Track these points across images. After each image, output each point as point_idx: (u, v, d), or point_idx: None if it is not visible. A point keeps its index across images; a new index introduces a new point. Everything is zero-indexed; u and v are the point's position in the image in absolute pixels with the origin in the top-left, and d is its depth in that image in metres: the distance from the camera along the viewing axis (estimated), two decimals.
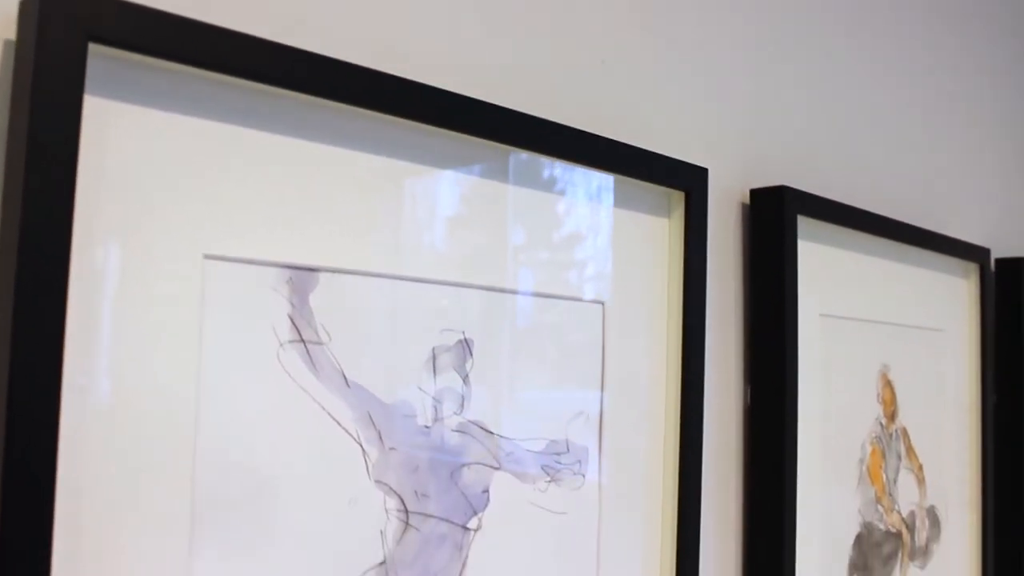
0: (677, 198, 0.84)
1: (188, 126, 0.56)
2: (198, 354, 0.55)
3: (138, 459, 0.53)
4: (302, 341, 0.60)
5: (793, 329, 0.96)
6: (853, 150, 1.17)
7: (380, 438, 0.63)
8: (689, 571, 0.82)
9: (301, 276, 0.60)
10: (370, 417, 0.63)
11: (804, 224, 0.99)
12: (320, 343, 0.61)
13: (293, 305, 0.60)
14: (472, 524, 0.68)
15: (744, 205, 0.98)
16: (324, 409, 0.61)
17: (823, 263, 1.04)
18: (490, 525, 0.69)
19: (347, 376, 0.62)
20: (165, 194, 0.54)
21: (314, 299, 0.61)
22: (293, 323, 0.60)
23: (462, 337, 0.68)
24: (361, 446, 0.62)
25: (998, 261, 1.46)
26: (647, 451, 0.82)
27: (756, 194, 0.97)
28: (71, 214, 0.49)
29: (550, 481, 0.73)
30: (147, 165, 0.54)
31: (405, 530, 0.64)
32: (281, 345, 0.59)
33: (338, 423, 0.61)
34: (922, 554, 1.21)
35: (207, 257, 0.56)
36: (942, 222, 1.31)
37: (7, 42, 0.51)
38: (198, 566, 0.55)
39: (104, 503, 0.51)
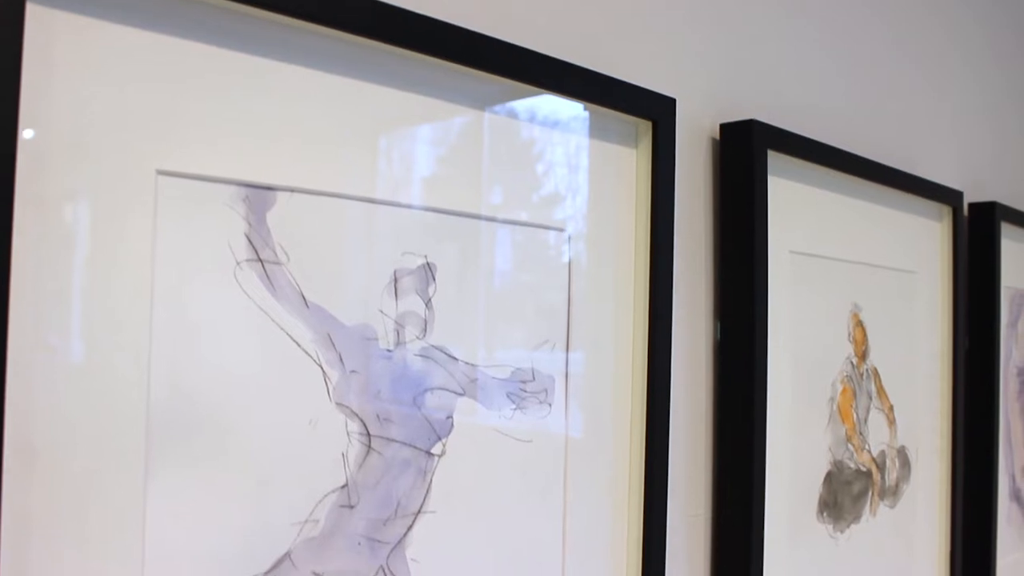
0: (644, 128, 0.83)
1: (142, 39, 0.54)
2: (151, 271, 0.54)
3: (91, 379, 0.52)
4: (259, 260, 0.59)
5: (763, 265, 0.95)
6: (826, 88, 1.16)
7: (341, 360, 0.62)
8: (657, 503, 0.82)
9: (258, 194, 0.59)
10: (330, 339, 0.62)
11: (775, 160, 0.99)
12: (278, 263, 0.60)
13: (250, 224, 0.59)
14: (436, 450, 0.68)
15: (715, 140, 0.97)
16: (283, 329, 0.60)
17: (794, 200, 1.04)
18: (454, 451, 0.69)
19: (306, 297, 0.61)
20: (116, 108, 0.53)
21: (271, 218, 0.60)
22: (250, 242, 0.59)
23: (424, 261, 0.67)
24: (321, 368, 0.62)
25: (971, 206, 1.47)
26: (615, 382, 0.81)
27: (726, 128, 0.97)
28: (15, 129, 0.47)
29: (515, 409, 0.73)
30: (97, 78, 0.53)
31: (367, 454, 0.64)
32: (238, 264, 0.58)
33: (297, 344, 0.60)
34: (892, 494, 1.21)
35: (160, 173, 0.55)
36: (915, 164, 1.30)
37: None
38: (154, 487, 0.54)
39: (56, 423, 0.50)
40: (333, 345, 0.62)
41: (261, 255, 0.59)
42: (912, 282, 1.27)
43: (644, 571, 0.81)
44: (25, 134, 0.49)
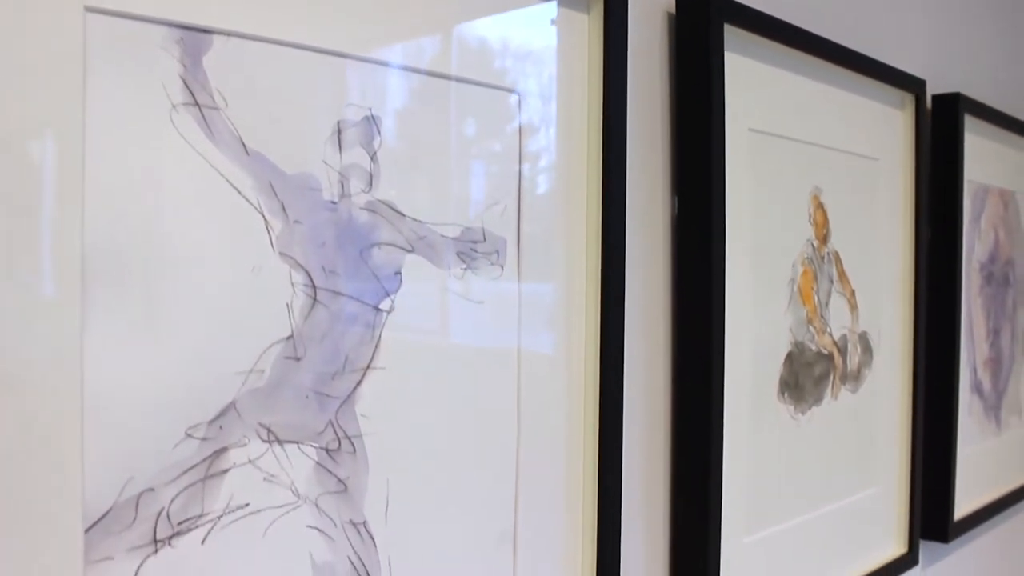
0: None
1: None
2: (82, 112, 0.53)
3: (20, 223, 0.50)
4: (196, 104, 0.58)
5: (720, 139, 0.95)
6: None
7: (284, 209, 0.61)
8: (613, 371, 0.82)
9: (193, 37, 0.58)
10: (272, 187, 0.61)
11: (734, 36, 0.97)
12: (216, 108, 0.59)
13: (185, 67, 0.57)
14: (384, 305, 0.67)
15: (671, 15, 0.96)
16: (223, 176, 0.59)
17: (753, 78, 1.03)
18: (403, 308, 0.68)
19: (246, 144, 0.60)
20: None
21: (208, 62, 0.58)
22: (186, 85, 0.57)
23: (369, 114, 0.66)
24: (264, 216, 0.61)
25: (935, 97, 1.46)
26: (568, 246, 0.81)
27: (682, 1, 0.95)
28: None
29: (466, 269, 0.72)
30: None
31: (313, 306, 0.63)
32: (174, 107, 0.57)
33: (238, 191, 0.59)
34: (854, 378, 1.22)
35: (88, 10, 0.53)
36: (878, 49, 1.29)
37: None
38: (91, 333, 0.53)
39: None
40: (275, 193, 0.61)
41: (198, 99, 0.58)
42: (874, 169, 1.26)
43: (601, 433, 0.81)
44: None
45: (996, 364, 1.70)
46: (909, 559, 1.35)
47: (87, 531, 0.53)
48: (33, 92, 0.51)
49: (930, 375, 1.46)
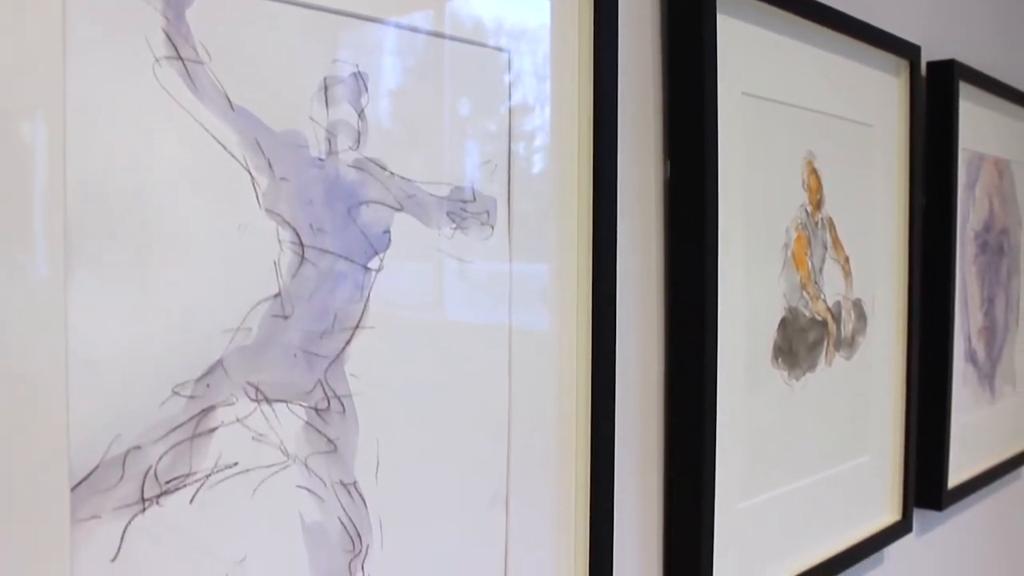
0: None
1: None
2: (62, 66, 0.52)
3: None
4: (180, 58, 0.57)
5: (713, 102, 0.94)
6: None
7: (270, 166, 0.61)
8: (606, 332, 0.81)
9: None
10: (258, 143, 0.60)
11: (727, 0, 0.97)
12: (200, 62, 0.58)
13: (167, 19, 0.56)
14: (373, 264, 0.66)
15: None
16: (207, 131, 0.58)
17: (746, 41, 1.02)
18: (392, 267, 0.67)
19: (231, 99, 0.59)
20: None
21: (191, 15, 0.57)
22: (168, 38, 0.56)
23: (356, 70, 0.65)
24: (250, 173, 0.60)
25: (930, 64, 1.45)
26: (559, 207, 0.80)
27: None
28: None
29: (456, 228, 0.72)
30: None
31: (301, 264, 0.62)
32: (156, 60, 0.56)
33: (224, 147, 0.59)
34: (848, 345, 1.22)
35: None
36: (872, 14, 1.28)
37: None
38: (75, 289, 0.52)
39: None
40: (261, 150, 0.60)
41: (181, 53, 0.57)
42: (868, 135, 1.26)
43: (594, 396, 0.81)
44: None
45: (990, 333, 1.70)
46: (903, 526, 1.35)
47: (73, 489, 0.53)
48: (11, 45, 0.50)
49: (924, 343, 1.46)
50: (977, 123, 1.57)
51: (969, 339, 1.61)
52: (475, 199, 0.73)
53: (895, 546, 1.42)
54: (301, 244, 0.62)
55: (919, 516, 1.52)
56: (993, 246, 1.69)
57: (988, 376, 1.70)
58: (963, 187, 1.55)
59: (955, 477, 1.55)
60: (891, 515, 1.35)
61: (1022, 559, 2.03)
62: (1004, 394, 1.78)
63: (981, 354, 1.66)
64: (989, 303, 1.69)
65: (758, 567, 1.06)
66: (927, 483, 1.48)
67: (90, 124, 0.53)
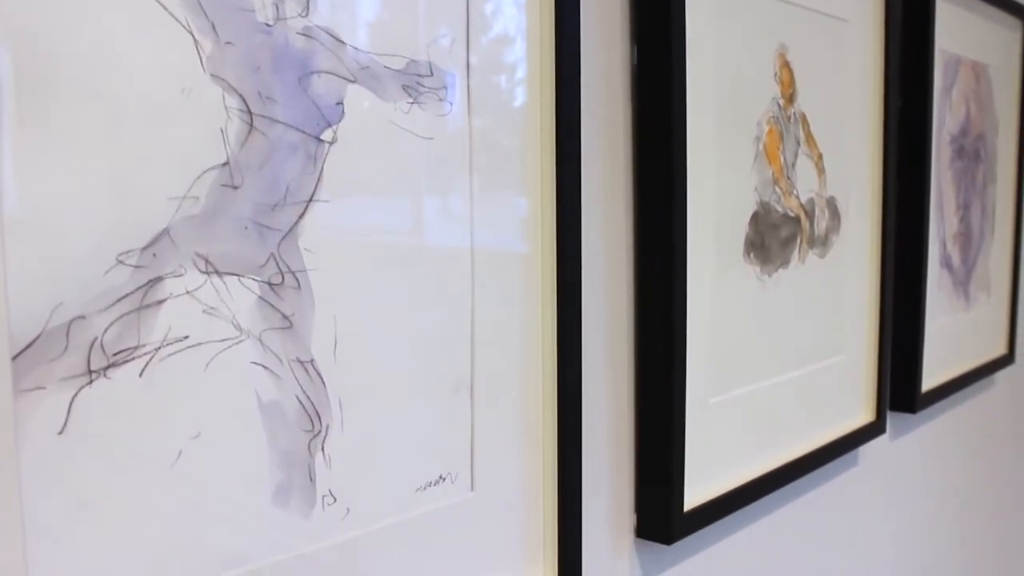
0: None
1: None
2: None
3: None
4: None
5: None
6: None
7: (214, 29, 0.58)
8: (572, 206, 0.80)
9: None
10: (200, 4, 0.57)
11: None
12: None
13: None
14: (326, 136, 0.64)
15: None
16: None
17: None
18: (347, 139, 0.65)
19: None
20: None
21: None
22: None
23: None
24: (192, 35, 0.57)
25: None
26: (520, 81, 0.78)
27: None
28: None
29: (412, 103, 0.69)
30: None
31: (250, 132, 0.60)
32: None
33: (163, 7, 0.56)
34: (821, 243, 1.21)
35: None
36: None
37: None
38: (8, 158, 0.50)
39: None
40: (204, 12, 0.58)
41: None
42: (843, 30, 1.23)
43: (559, 279, 0.80)
44: None
45: (965, 239, 1.69)
46: (877, 427, 1.36)
47: (14, 358, 0.51)
48: None
49: (899, 245, 1.45)
50: (955, 24, 1.55)
51: (944, 244, 1.60)
52: (432, 73, 0.71)
53: (869, 447, 1.43)
54: (249, 112, 0.60)
55: (893, 419, 1.53)
56: (969, 151, 1.68)
57: (963, 283, 1.70)
58: (939, 90, 1.53)
59: (929, 381, 1.55)
60: (865, 415, 1.35)
61: (994, 465, 2.05)
62: (979, 301, 1.78)
63: (956, 260, 1.66)
64: (965, 209, 1.68)
65: (731, 462, 1.06)
66: (901, 386, 1.48)
67: None
